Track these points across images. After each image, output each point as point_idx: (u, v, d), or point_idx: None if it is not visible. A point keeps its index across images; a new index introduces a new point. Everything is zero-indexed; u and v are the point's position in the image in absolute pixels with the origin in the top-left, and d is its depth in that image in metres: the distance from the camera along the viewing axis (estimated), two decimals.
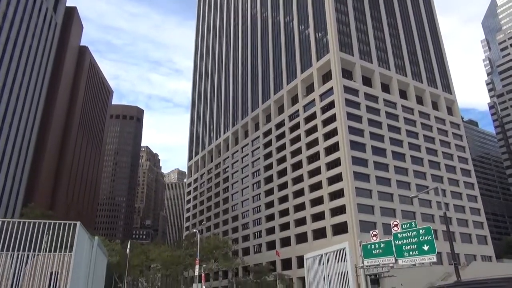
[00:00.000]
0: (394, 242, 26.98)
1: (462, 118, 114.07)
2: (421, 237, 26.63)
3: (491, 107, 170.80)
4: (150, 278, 68.01)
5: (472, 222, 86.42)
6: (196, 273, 33.90)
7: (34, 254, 8.00)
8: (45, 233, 7.62)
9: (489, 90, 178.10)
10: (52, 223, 7.53)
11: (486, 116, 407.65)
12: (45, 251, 7.79)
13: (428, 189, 50.04)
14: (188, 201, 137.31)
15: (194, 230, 52.99)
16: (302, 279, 76.79)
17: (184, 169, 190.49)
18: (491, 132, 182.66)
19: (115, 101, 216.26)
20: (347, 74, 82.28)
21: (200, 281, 35.44)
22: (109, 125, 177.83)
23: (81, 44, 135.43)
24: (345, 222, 70.13)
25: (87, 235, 8.65)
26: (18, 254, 8.07)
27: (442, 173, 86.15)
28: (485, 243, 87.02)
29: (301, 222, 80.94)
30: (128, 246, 51.50)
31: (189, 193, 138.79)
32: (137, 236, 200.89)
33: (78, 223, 7.53)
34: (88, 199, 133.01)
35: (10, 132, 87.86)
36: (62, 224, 7.51)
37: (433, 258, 26.10)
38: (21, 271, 8.01)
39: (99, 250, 10.19)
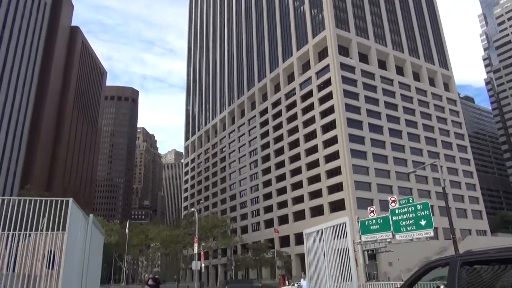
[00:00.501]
0: (392, 218, 27.09)
1: (459, 94, 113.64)
2: (418, 212, 26.76)
3: (487, 83, 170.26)
4: (150, 257, 68.74)
5: (467, 198, 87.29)
6: (195, 251, 34.18)
7: (25, 234, 7.81)
8: (37, 211, 7.41)
9: (486, 66, 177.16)
10: (43, 200, 7.32)
11: (482, 92, 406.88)
12: (36, 231, 7.60)
13: (425, 165, 50.21)
14: (186, 181, 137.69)
15: (192, 209, 53.23)
16: (300, 256, 77.86)
17: (181, 149, 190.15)
18: (487, 108, 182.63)
19: (109, 82, 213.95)
20: (343, 51, 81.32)
21: (199, 259, 35.76)
22: (104, 106, 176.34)
23: (72, 24, 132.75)
24: (343, 199, 70.64)
25: (81, 213, 8.45)
26: (9, 234, 7.89)
27: (439, 149, 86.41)
28: (480, 218, 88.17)
29: (298, 200, 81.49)
30: (127, 226, 51.79)
31: (186, 173, 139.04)
32: (136, 216, 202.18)
33: (71, 199, 7.31)
34: (86, 181, 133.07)
35: (3, 116, 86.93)
36: (54, 201, 7.30)
37: (430, 232, 26.29)
38: (11, 252, 7.85)
39: (95, 229, 10.01)
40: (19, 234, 7.94)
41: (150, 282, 13.33)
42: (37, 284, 7.28)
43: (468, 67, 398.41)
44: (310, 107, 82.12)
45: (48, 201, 7.31)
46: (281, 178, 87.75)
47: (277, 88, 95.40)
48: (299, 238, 76.88)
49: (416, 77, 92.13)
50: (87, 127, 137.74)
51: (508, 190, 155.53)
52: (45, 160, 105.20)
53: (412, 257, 62.29)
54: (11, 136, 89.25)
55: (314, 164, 78.97)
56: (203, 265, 43.10)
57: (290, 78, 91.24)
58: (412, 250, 57.37)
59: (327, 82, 78.67)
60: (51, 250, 7.82)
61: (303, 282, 12.19)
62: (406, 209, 26.74)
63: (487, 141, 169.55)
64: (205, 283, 75.66)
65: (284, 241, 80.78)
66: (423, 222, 26.12)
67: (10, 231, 7.73)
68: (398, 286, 4.88)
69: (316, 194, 77.08)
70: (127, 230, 51.48)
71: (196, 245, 33.77)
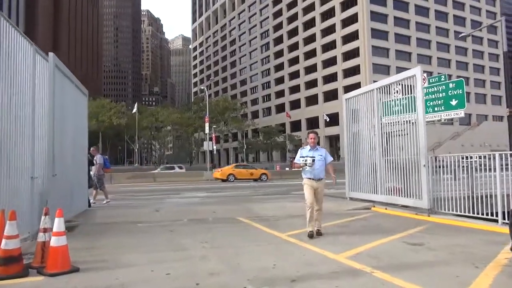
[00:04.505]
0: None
1: None
2: (450, 91, 23.80)
3: None
4: (161, 140, 68.75)
5: (489, 83, 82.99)
6: (207, 131, 32.57)
7: None
8: None
9: None
10: None
11: None
12: None
13: (466, 34, 45.15)
14: (195, 66, 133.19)
15: (202, 88, 50.73)
16: None
17: (189, 35, 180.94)
18: None
19: None
20: None
21: (210, 140, 34.41)
22: None
23: None
24: (359, 83, 67.10)
25: (30, 45, 5.60)
26: None
27: (467, 29, 79.22)
28: (499, 104, 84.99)
29: (312, 84, 78.26)
30: (135, 106, 50.10)
31: (195, 57, 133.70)
32: (146, 103, 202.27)
33: None
34: (92, 64, 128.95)
35: None
36: None
37: (462, 113, 23.74)
38: None
39: (65, 79, 7.21)
40: None
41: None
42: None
43: None
44: None
45: None
46: (294, 61, 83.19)
47: None
48: (311, 123, 75.82)
49: None
50: (87, 4, 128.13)
51: None
52: (46, 38, 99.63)
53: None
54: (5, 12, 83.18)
55: (330, 46, 73.76)
56: (214, 146, 42.23)
57: None
58: None
59: None
60: None
61: (318, 152, 6.29)
62: (435, 88, 24.04)
63: None
64: (217, 165, 77.31)
65: (296, 125, 79.92)
66: (454, 102, 23.58)
67: None
68: None
69: (331, 77, 73.50)
70: (134, 110, 49.83)
71: (207, 125, 32.02)
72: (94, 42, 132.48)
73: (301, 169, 6.25)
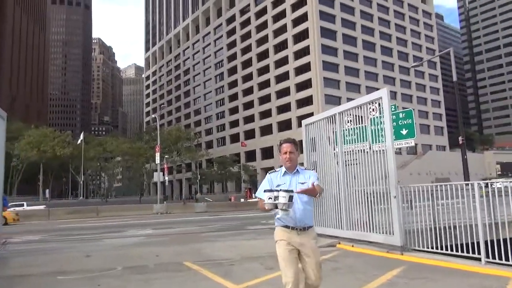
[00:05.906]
0: (370, 127, 24.69)
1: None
2: (400, 121, 24.31)
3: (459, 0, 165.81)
4: (110, 172, 65.16)
5: (432, 114, 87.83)
6: (157, 161, 30.87)
7: None
8: None
9: None
10: None
11: (453, 13, 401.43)
12: None
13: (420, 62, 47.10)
14: (147, 95, 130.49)
15: (154, 116, 48.94)
16: (266, 169, 77.27)
17: (142, 64, 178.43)
18: (455, 27, 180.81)
19: None
20: None
21: (162, 171, 32.65)
22: (52, 11, 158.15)
23: None
24: (312, 113, 68.11)
25: None
26: None
27: (410, 64, 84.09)
28: (441, 134, 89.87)
29: (266, 114, 78.71)
30: (82, 135, 47.20)
31: (148, 87, 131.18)
32: (96, 133, 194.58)
33: None
34: (37, 91, 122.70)
35: None
36: None
37: (412, 142, 24.17)
38: None
39: None
40: None
41: None
42: None
43: None
44: (282, 14, 75.68)
45: None
46: (248, 91, 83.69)
47: None
48: (265, 153, 75.74)
49: None
50: (33, 30, 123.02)
51: (465, 110, 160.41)
52: None
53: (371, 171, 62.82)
54: None
55: (284, 77, 75.05)
56: (166, 178, 40.38)
57: None
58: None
59: None
60: None
61: (300, 177, 3.23)
62: None
63: (450, 60, 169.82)
64: (169, 197, 74.35)
65: (250, 155, 79.42)
66: (404, 132, 24.11)
67: None
68: None
69: (285, 108, 74.36)
70: (79, 141, 46.90)
71: (158, 154, 30.38)
72: (40, 69, 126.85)
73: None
